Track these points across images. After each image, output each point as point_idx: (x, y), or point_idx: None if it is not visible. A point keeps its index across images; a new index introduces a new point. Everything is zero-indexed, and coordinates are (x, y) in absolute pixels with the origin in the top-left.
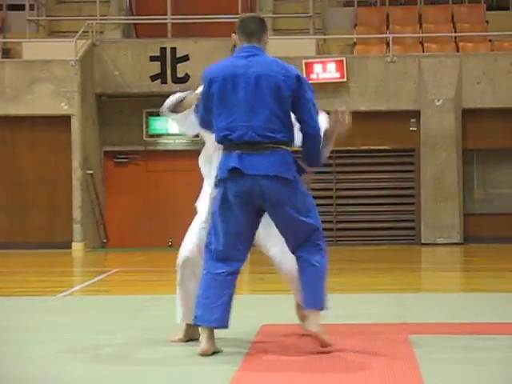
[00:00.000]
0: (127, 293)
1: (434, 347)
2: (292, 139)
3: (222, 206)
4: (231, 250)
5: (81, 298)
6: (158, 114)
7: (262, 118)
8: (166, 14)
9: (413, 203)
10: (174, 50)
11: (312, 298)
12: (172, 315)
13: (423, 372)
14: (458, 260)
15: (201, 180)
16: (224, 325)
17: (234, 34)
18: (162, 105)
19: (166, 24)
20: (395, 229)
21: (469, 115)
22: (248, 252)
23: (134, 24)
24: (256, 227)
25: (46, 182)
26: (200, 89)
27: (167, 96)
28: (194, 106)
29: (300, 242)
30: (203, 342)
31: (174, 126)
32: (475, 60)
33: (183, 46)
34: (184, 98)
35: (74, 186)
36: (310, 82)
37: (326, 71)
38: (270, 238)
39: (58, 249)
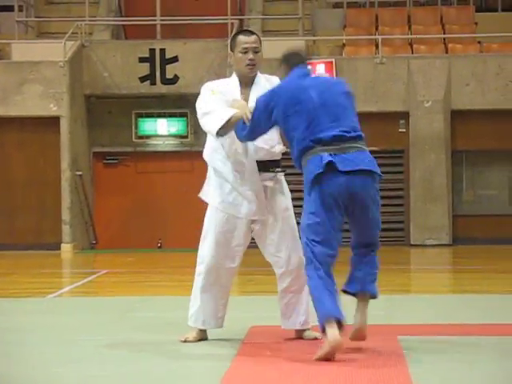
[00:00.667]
0: (116, 294)
1: (423, 348)
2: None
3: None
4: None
5: (70, 299)
6: (147, 115)
7: (343, 119)
8: (155, 16)
9: (402, 204)
10: (163, 51)
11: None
12: (161, 316)
13: (412, 373)
14: (447, 261)
15: (190, 180)
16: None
17: (231, 52)
18: (150, 106)
19: (155, 25)
20: (384, 230)
21: (458, 116)
22: None
23: (123, 25)
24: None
25: (35, 183)
26: (239, 103)
27: (156, 97)
28: (240, 122)
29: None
30: (336, 335)
31: (162, 128)
32: (464, 61)
33: (172, 48)
34: (231, 117)
35: (62, 187)
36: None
37: (315, 72)
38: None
39: (46, 250)
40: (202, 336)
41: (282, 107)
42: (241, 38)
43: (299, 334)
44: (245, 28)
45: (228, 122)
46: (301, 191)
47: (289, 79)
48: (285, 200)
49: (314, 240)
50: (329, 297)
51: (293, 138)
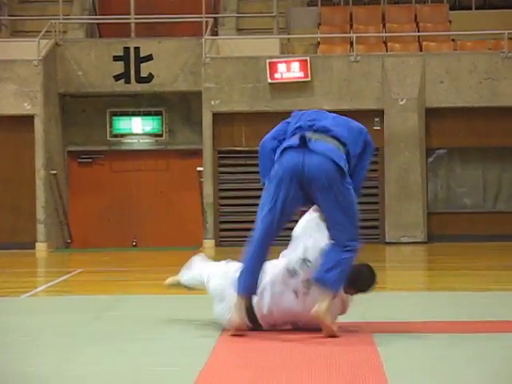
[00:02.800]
0: (91, 293)
1: (397, 345)
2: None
3: None
4: None
5: (45, 298)
6: (121, 114)
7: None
8: (129, 14)
9: (377, 202)
10: (137, 49)
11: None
12: (137, 314)
13: (386, 370)
14: (421, 259)
15: (164, 179)
16: None
17: None
18: (125, 104)
19: (129, 24)
20: (359, 228)
21: (432, 114)
22: None
23: (98, 24)
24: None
25: (10, 182)
26: None
27: (131, 96)
28: None
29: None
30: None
31: (137, 126)
32: (438, 59)
33: (147, 46)
34: None
35: (37, 186)
36: (274, 81)
37: (289, 71)
38: None
39: (21, 249)
40: None
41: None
42: None
43: None
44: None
45: None
46: None
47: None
48: None
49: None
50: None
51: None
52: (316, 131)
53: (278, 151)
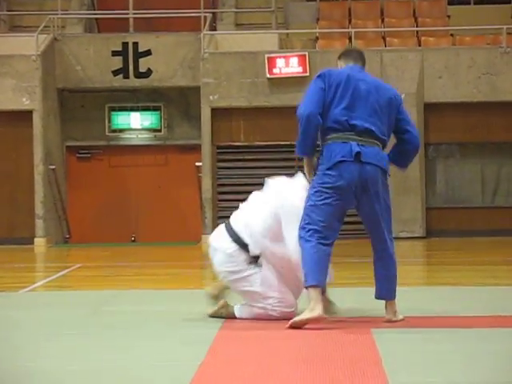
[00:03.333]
0: (90, 288)
1: (396, 341)
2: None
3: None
4: None
5: (43, 293)
6: (120, 109)
7: (377, 119)
8: (127, 9)
9: None
10: (136, 44)
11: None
12: (135, 310)
13: (385, 365)
14: (420, 254)
15: (163, 174)
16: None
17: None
18: (124, 99)
19: (127, 19)
20: (357, 223)
21: (431, 109)
22: None
23: (96, 19)
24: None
25: (8, 177)
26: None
27: (129, 91)
28: None
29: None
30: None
31: (136, 121)
32: (437, 54)
33: (145, 41)
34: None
35: (36, 181)
36: (273, 76)
37: (288, 66)
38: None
39: (20, 244)
40: None
41: (331, 84)
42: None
43: None
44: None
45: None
46: None
47: (342, 69)
48: None
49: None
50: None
51: (328, 112)
52: (360, 134)
53: (327, 160)
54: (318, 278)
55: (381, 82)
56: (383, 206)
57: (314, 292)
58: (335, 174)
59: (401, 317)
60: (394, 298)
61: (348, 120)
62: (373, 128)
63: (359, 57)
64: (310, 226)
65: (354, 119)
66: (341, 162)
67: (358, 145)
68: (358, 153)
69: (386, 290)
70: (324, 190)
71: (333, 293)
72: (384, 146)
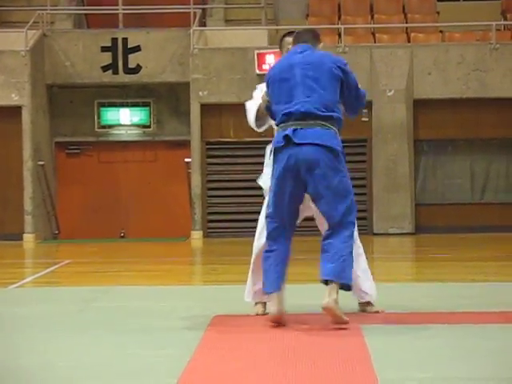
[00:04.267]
0: (79, 284)
1: (385, 337)
2: (339, 121)
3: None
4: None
5: (32, 289)
6: (109, 105)
7: (318, 96)
8: (117, 5)
9: (365, 193)
10: (125, 40)
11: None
12: (124, 306)
13: (374, 362)
14: (409, 250)
15: (152, 170)
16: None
17: (280, 50)
18: (113, 95)
19: (117, 14)
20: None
21: (420, 106)
22: None
23: (85, 14)
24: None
25: None
26: (261, 90)
27: (119, 87)
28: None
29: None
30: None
31: (125, 117)
32: (426, 51)
33: (135, 37)
34: (259, 107)
35: (25, 177)
36: (262, 72)
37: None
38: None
39: (8, 240)
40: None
41: (271, 84)
42: (286, 39)
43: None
44: (292, 30)
45: (258, 113)
46: None
47: (283, 57)
48: None
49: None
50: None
51: (275, 112)
52: (298, 119)
53: (268, 151)
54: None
55: (321, 57)
56: (332, 186)
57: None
58: (273, 161)
59: (338, 311)
60: (337, 280)
61: (287, 110)
62: (311, 109)
63: (307, 36)
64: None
65: (292, 107)
66: (276, 149)
67: (294, 130)
68: (287, 136)
69: (326, 270)
70: (273, 181)
71: (321, 287)
72: (334, 122)
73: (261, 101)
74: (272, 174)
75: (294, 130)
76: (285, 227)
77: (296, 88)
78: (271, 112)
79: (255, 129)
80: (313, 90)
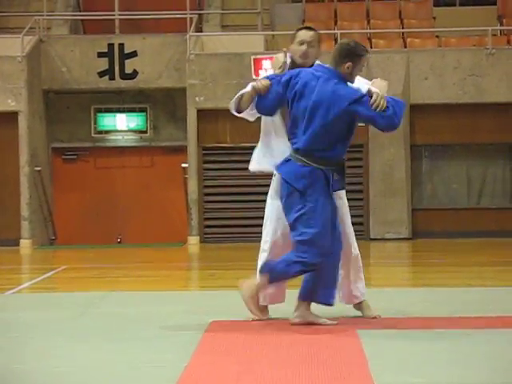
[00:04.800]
0: (76, 290)
1: (382, 342)
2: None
3: None
4: None
5: (29, 295)
6: (106, 111)
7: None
8: (113, 10)
9: (361, 199)
10: (121, 46)
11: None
12: (121, 311)
13: (371, 367)
14: (406, 255)
15: (149, 176)
16: None
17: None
18: (109, 101)
19: (113, 20)
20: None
21: (417, 111)
22: None
23: (82, 20)
24: None
25: None
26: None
27: (115, 92)
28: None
29: None
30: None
31: (121, 123)
32: (423, 56)
33: (131, 42)
34: (243, 95)
35: (21, 183)
36: (259, 78)
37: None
38: None
39: (5, 246)
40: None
41: (296, 93)
42: (300, 32)
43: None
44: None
45: (241, 98)
46: None
47: (307, 72)
48: None
49: None
50: None
51: (290, 128)
52: (295, 152)
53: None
54: None
55: (335, 92)
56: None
57: None
58: None
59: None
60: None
61: (294, 146)
62: (306, 146)
63: (333, 55)
64: None
65: (296, 143)
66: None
67: (287, 160)
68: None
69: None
70: None
71: None
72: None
73: (249, 89)
74: None
75: (287, 161)
76: None
77: (301, 121)
78: (258, 106)
79: (232, 112)
80: (318, 128)
